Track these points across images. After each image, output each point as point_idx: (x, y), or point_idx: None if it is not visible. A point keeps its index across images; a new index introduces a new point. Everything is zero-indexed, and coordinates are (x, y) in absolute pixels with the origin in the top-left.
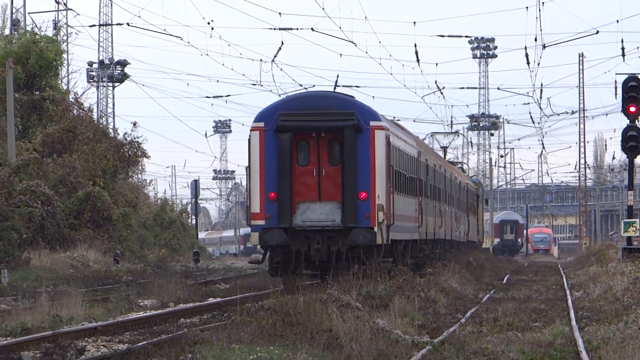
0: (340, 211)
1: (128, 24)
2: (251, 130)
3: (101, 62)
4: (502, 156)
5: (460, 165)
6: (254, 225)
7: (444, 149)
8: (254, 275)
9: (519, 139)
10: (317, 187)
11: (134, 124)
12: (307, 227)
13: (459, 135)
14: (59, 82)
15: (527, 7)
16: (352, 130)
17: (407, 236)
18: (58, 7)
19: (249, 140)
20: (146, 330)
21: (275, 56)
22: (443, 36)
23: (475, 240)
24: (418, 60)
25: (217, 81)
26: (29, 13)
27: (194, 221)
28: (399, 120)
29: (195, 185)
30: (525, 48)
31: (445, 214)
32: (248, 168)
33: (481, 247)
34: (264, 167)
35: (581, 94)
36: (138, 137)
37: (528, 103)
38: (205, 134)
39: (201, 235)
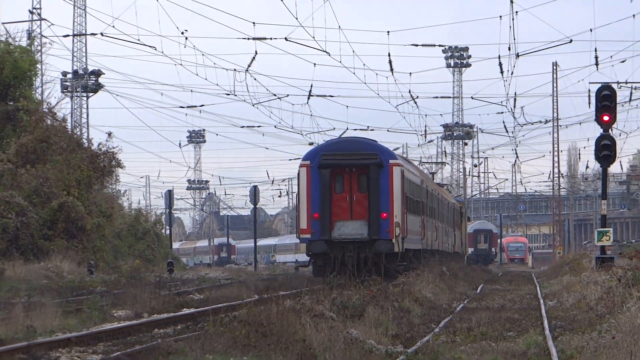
0: (367, 227)
1: (102, 34)
2: (300, 166)
3: (75, 72)
4: (475, 165)
5: (446, 186)
6: (302, 238)
7: (433, 174)
8: (228, 285)
9: (492, 149)
10: (350, 209)
11: (109, 134)
12: (342, 239)
13: (444, 165)
14: (33, 92)
15: (500, 16)
16: (375, 166)
17: (415, 246)
18: (32, 17)
19: (299, 174)
20: (120, 341)
21: (249, 66)
22: (417, 45)
23: (459, 252)
24: (392, 70)
25: (191, 91)
26: (2, 23)
27: (168, 231)
28: (372, 129)
29: (169, 196)
30: (499, 57)
31: (438, 229)
32: (298, 195)
33: (465, 256)
34: (310, 194)
35: (555, 103)
36: (113, 148)
37: (502, 112)
38: (179, 144)
39: (175, 245)
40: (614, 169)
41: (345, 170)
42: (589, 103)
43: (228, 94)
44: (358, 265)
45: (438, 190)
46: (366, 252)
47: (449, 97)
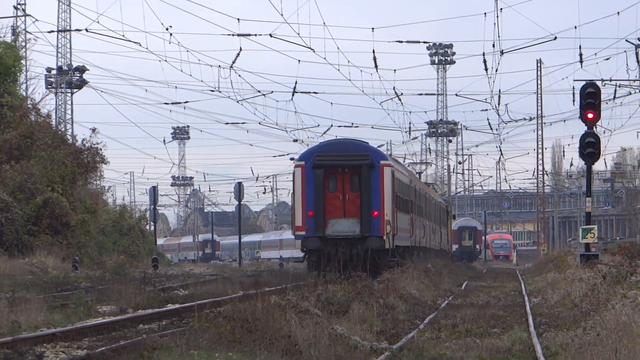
0: (359, 225)
1: (87, 30)
2: (295, 167)
3: (59, 68)
4: (460, 162)
5: (432, 185)
6: (297, 235)
7: (419, 174)
8: (212, 281)
9: (477, 146)
10: (342, 207)
11: (93, 129)
12: (335, 236)
13: (430, 165)
14: (18, 88)
15: (485, 13)
16: (367, 167)
17: (405, 243)
18: (16, 13)
19: (294, 174)
20: (105, 336)
21: (233, 62)
22: (401, 42)
23: (445, 249)
24: (376, 67)
25: (176, 87)
26: None
27: (152, 227)
28: (357, 126)
29: (153, 192)
30: (484, 54)
31: (426, 227)
32: (293, 194)
33: (450, 254)
34: (304, 193)
35: (539, 101)
36: (97, 143)
37: (486, 110)
38: (164, 141)
39: (160, 241)
40: (598, 166)
41: (338, 171)
42: (573, 100)
43: (212, 91)
44: (350, 260)
45: (425, 189)
46: (358, 248)
47: (434, 94)
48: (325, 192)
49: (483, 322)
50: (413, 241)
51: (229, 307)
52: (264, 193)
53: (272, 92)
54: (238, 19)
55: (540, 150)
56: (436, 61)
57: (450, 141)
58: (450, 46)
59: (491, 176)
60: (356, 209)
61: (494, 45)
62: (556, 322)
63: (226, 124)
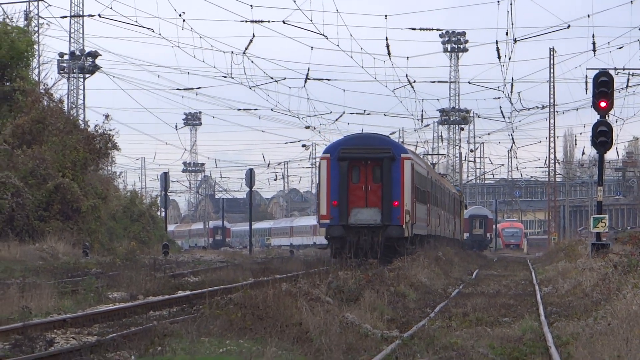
0: (380, 214)
1: (100, 15)
2: (321, 159)
3: (72, 54)
4: (472, 150)
5: (446, 176)
6: (322, 223)
7: (434, 165)
8: (223, 268)
9: (489, 134)
10: (365, 198)
11: (106, 116)
12: (358, 225)
13: (443, 157)
14: (30, 73)
15: (498, 1)
16: (388, 160)
17: (422, 232)
18: None
19: (319, 165)
20: (115, 323)
21: (246, 48)
22: (414, 29)
23: (458, 238)
24: (389, 54)
25: (188, 73)
26: (0, 4)
27: (163, 214)
28: (369, 113)
29: (164, 178)
30: (497, 42)
31: (441, 216)
32: (318, 184)
33: (462, 242)
34: (329, 184)
35: (552, 89)
36: (110, 130)
37: (498, 97)
38: (176, 127)
39: (170, 227)
40: (610, 155)
41: (362, 163)
42: (586, 89)
43: (225, 77)
44: (371, 248)
45: (441, 180)
46: (379, 236)
47: (446, 82)
48: (349, 183)
49: (494, 311)
50: (429, 230)
51: (240, 294)
52: (275, 180)
53: (285, 78)
54: (251, 6)
55: (552, 139)
56: (449, 49)
57: (462, 129)
58: (463, 34)
59: (503, 164)
60: (378, 199)
61: (507, 33)
62: (567, 311)
63: (238, 110)
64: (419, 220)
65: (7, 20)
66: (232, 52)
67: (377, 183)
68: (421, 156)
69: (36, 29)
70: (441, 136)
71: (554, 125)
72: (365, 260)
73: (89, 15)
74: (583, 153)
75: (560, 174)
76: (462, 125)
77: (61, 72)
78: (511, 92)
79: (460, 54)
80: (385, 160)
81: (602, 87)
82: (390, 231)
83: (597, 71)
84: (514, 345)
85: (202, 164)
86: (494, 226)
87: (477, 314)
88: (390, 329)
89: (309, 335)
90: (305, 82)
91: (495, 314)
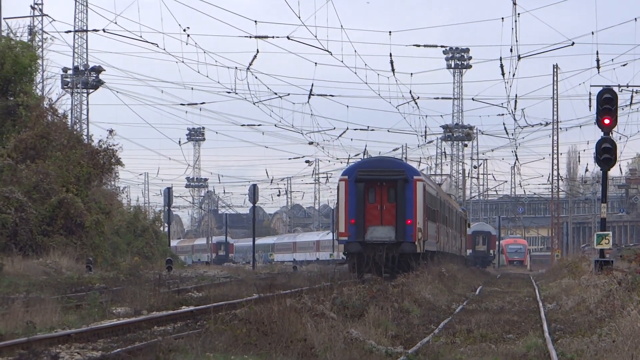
0: (394, 231)
1: (104, 30)
2: (340, 180)
3: (76, 68)
4: (475, 167)
5: (453, 196)
6: (340, 240)
7: (440, 184)
8: (226, 284)
9: (492, 150)
10: (380, 216)
11: (110, 131)
12: (374, 241)
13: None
14: (34, 88)
15: (502, 18)
16: (402, 181)
17: (432, 248)
18: (33, 13)
19: (338, 186)
20: (120, 338)
21: (250, 64)
22: (419, 46)
23: (464, 255)
24: (393, 70)
25: (192, 89)
26: (4, 18)
27: (166, 229)
28: (373, 129)
29: (168, 193)
30: (501, 59)
31: (449, 234)
32: (337, 204)
33: (465, 259)
34: (347, 204)
35: (555, 106)
36: (114, 145)
37: (502, 114)
38: (179, 142)
39: (173, 243)
40: (613, 172)
41: (377, 184)
42: (590, 106)
43: (229, 92)
44: (386, 263)
45: (448, 200)
46: (393, 252)
47: (450, 98)
48: (365, 203)
49: (498, 327)
50: (439, 247)
51: (244, 310)
52: (278, 195)
53: (289, 94)
54: (255, 21)
55: (555, 156)
56: (452, 65)
57: (465, 145)
58: (467, 50)
59: (506, 181)
60: (392, 218)
61: (511, 50)
62: (571, 328)
63: (242, 125)
64: (429, 237)
65: (11, 35)
66: (236, 67)
67: (392, 203)
68: (425, 173)
69: (40, 43)
70: (444, 152)
71: (557, 142)
72: (381, 275)
73: (93, 30)
74: (586, 170)
75: (563, 191)
76: (466, 142)
77: (65, 87)
78: (515, 108)
79: (464, 70)
80: (399, 181)
81: (606, 104)
82: (404, 247)
83: (601, 88)
84: None
85: (206, 180)
86: (497, 242)
87: (481, 331)
88: (395, 345)
89: (314, 351)
90: (309, 97)
91: (499, 331)
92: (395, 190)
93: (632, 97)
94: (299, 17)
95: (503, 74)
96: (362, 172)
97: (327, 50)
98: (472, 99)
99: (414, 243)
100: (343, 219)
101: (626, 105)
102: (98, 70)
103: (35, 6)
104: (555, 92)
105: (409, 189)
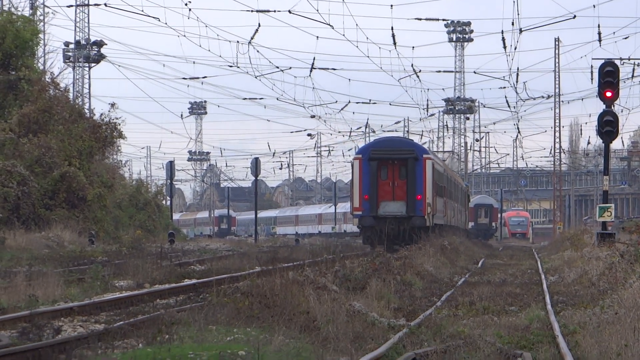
0: (405, 206)
1: (105, 5)
2: (354, 159)
3: (77, 43)
4: (477, 140)
5: (457, 172)
6: (355, 214)
7: (444, 161)
8: (229, 257)
9: (494, 123)
10: (392, 192)
11: (112, 104)
12: (386, 216)
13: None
14: (36, 62)
15: None
16: (412, 160)
17: (440, 222)
18: None
19: (352, 165)
20: (122, 311)
21: (252, 38)
22: (420, 19)
23: (465, 228)
24: (395, 43)
25: (194, 62)
26: None
27: (168, 202)
28: (375, 103)
29: (170, 167)
30: (502, 32)
31: (455, 208)
32: (352, 181)
33: (467, 231)
34: (361, 181)
35: (557, 79)
36: (116, 119)
37: (504, 87)
38: (181, 115)
39: (175, 216)
40: (615, 145)
41: (389, 162)
42: (592, 79)
43: (231, 66)
44: (397, 235)
45: (454, 177)
46: (404, 225)
47: (452, 72)
48: (378, 180)
49: (500, 299)
50: (446, 220)
51: (247, 283)
52: (280, 169)
53: (290, 68)
54: None
55: (557, 129)
56: (454, 39)
57: (467, 118)
58: (469, 24)
59: (508, 154)
60: (403, 194)
61: (513, 23)
62: (573, 300)
63: (244, 99)
64: (438, 211)
65: (13, 9)
66: (238, 41)
67: (403, 180)
68: (427, 147)
69: (41, 17)
70: (446, 126)
71: (560, 114)
72: (392, 246)
73: (95, 5)
74: (588, 142)
75: (565, 164)
76: (468, 115)
77: (67, 61)
78: (517, 81)
79: (466, 43)
80: (410, 160)
81: (608, 77)
82: (414, 221)
83: (602, 61)
84: (522, 334)
85: (208, 153)
86: (499, 215)
87: (483, 303)
88: (397, 318)
89: (317, 323)
90: (311, 71)
91: (501, 303)
92: (406, 168)
93: (633, 69)
94: None
95: (505, 47)
96: (375, 152)
97: (329, 24)
98: (474, 72)
99: (423, 217)
100: (357, 195)
101: (628, 78)
102: (100, 44)
103: None
104: (557, 65)
105: (418, 167)
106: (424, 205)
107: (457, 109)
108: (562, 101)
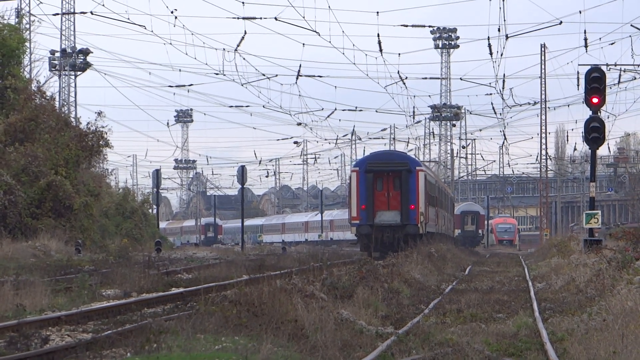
0: (400, 215)
1: (91, 13)
2: (351, 171)
3: (63, 51)
4: (463, 147)
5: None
6: (352, 223)
7: (435, 173)
8: (216, 265)
9: (480, 130)
10: (387, 202)
11: (99, 113)
12: (382, 224)
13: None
14: (22, 70)
15: None
16: (406, 172)
17: (432, 230)
18: None
19: (350, 177)
20: (110, 320)
21: (238, 45)
22: (406, 26)
23: (451, 235)
24: (381, 50)
25: (180, 70)
26: None
27: (155, 211)
28: (361, 110)
29: (156, 175)
30: (488, 38)
31: (445, 217)
32: (349, 192)
33: (454, 239)
34: (358, 191)
35: (543, 85)
36: (103, 127)
37: (490, 94)
38: (167, 124)
39: (162, 225)
40: (601, 151)
41: (384, 174)
42: (578, 85)
43: (217, 74)
44: (392, 243)
45: (444, 186)
46: (399, 233)
47: (438, 78)
48: (374, 191)
49: (488, 307)
50: (437, 228)
51: (234, 291)
52: (266, 176)
53: (277, 75)
54: (243, 2)
55: (543, 135)
56: (440, 45)
57: (454, 125)
58: (454, 30)
59: (494, 160)
60: (397, 204)
61: (499, 30)
62: (561, 307)
63: (230, 107)
64: (430, 220)
65: None
66: (224, 49)
67: (397, 190)
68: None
69: (27, 26)
70: (433, 132)
71: (546, 121)
72: (387, 253)
73: (81, 13)
74: (575, 149)
75: (552, 170)
76: (454, 122)
77: (52, 69)
78: (503, 88)
79: (452, 50)
80: (404, 172)
81: (594, 83)
82: (409, 229)
83: (589, 67)
84: (510, 341)
85: (194, 161)
86: (485, 222)
87: (471, 310)
88: (385, 326)
89: (305, 332)
90: (297, 79)
91: (489, 310)
92: (400, 180)
93: (620, 75)
94: None
95: (491, 54)
96: (371, 164)
97: (315, 31)
98: (460, 79)
99: (417, 225)
100: (355, 205)
101: (614, 84)
102: (85, 52)
103: None
104: (543, 71)
105: (412, 178)
106: (417, 214)
107: (443, 115)
108: (549, 107)
